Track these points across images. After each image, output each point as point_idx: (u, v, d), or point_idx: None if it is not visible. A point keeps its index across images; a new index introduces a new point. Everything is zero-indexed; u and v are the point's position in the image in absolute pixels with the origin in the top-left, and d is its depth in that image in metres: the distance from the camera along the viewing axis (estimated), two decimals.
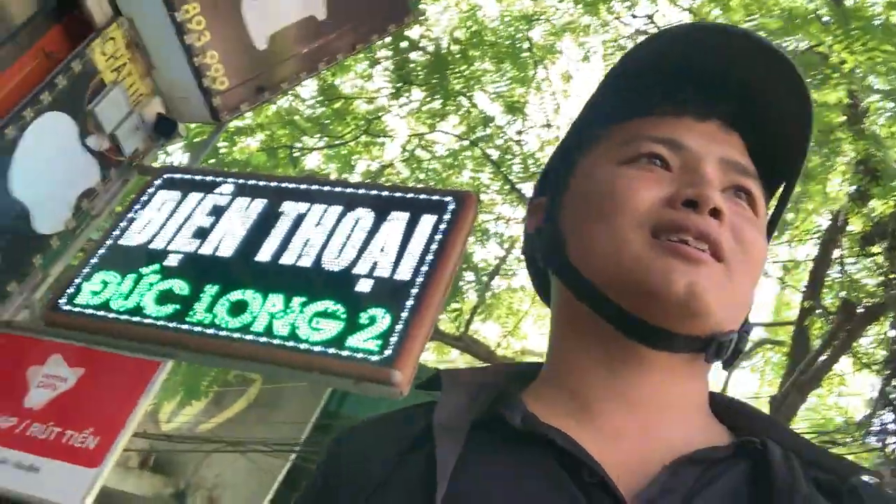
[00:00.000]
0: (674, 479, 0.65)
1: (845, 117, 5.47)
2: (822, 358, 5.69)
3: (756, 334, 10.39)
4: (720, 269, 0.71)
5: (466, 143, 7.13)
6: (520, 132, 7.55)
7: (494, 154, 7.23)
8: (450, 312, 7.73)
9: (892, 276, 5.65)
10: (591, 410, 0.74)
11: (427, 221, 3.05)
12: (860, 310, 5.60)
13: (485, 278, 8.51)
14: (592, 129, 0.85)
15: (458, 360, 12.49)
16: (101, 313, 3.03)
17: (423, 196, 3.18)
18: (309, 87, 6.93)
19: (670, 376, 0.75)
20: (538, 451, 0.68)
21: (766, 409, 6.30)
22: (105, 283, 3.13)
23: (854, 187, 5.90)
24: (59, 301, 3.12)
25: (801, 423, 7.49)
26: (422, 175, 7.22)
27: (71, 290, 3.13)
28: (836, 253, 6.11)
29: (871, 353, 6.30)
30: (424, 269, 2.89)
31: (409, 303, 2.79)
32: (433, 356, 13.47)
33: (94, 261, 3.23)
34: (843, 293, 6.03)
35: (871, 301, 5.66)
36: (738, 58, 0.80)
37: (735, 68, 0.80)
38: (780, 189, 0.89)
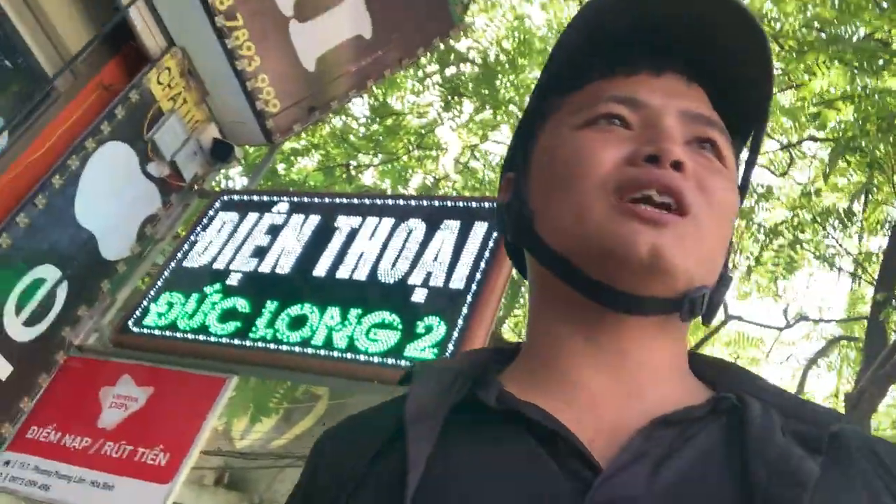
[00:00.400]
0: (648, 442, 0.64)
1: None
2: None
3: (831, 331, 10.06)
4: (685, 224, 0.69)
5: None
6: None
7: None
8: (512, 319, 7.72)
9: None
10: (567, 380, 0.72)
11: (479, 229, 3.07)
12: None
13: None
14: (550, 96, 0.83)
15: None
16: (168, 333, 3.14)
17: (473, 204, 3.21)
18: (361, 106, 7.05)
19: (646, 339, 0.73)
20: (514, 428, 0.67)
21: (841, 408, 6.10)
22: (170, 305, 3.24)
23: None
24: (128, 323, 3.24)
25: (883, 419, 7.23)
26: (477, 185, 7.24)
27: (138, 313, 3.25)
28: None
29: None
30: (478, 276, 2.90)
31: (464, 311, 2.81)
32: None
33: (159, 283, 3.34)
34: None
35: None
36: (687, 8, 0.78)
37: (686, 19, 0.79)
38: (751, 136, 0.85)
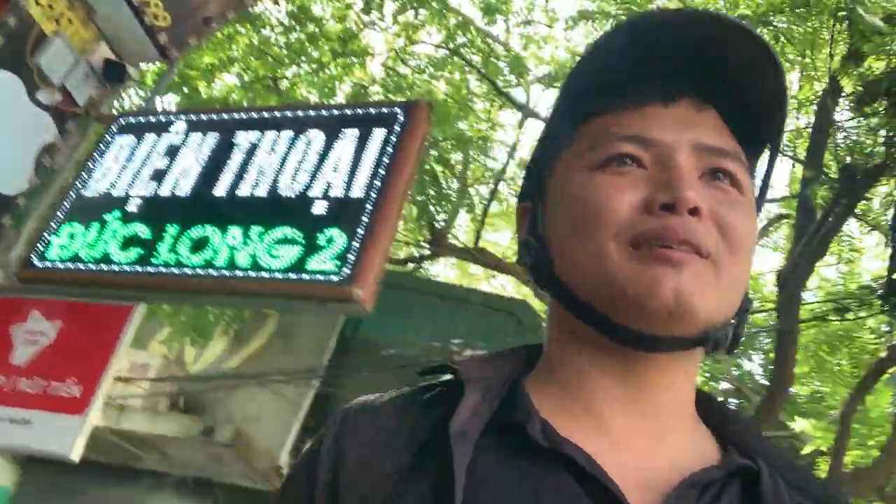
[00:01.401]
0: (679, 501, 0.67)
1: None
2: (826, 226, 5.59)
3: (773, 210, 10.25)
4: (705, 265, 0.70)
5: (447, 51, 6.95)
6: (507, 31, 7.35)
7: (478, 59, 7.06)
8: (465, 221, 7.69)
9: (892, 134, 5.48)
10: (597, 418, 0.74)
11: (378, 135, 3.00)
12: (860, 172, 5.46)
13: (487, 187, 8.45)
14: (562, 130, 0.83)
15: (479, 273, 12.56)
16: (72, 265, 3.07)
17: (371, 110, 3.12)
18: (279, 14, 6.78)
19: (667, 374, 0.75)
20: (553, 464, 0.68)
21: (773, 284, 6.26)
22: (72, 236, 3.16)
23: (848, 50, 5.67)
24: (31, 258, 3.16)
25: (814, 294, 7.46)
26: (408, 89, 7.08)
27: (41, 246, 3.17)
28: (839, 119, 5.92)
29: (878, 213, 6.18)
30: (377, 183, 2.85)
31: (364, 220, 2.77)
32: (456, 271, 13.57)
33: (59, 215, 3.25)
34: (847, 158, 5.88)
35: (871, 162, 5.52)
36: (694, 33, 0.77)
37: (694, 42, 0.77)
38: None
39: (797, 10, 4.92)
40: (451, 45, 6.83)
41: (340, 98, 7.07)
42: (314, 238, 2.78)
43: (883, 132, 5.83)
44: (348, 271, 2.66)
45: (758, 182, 0.84)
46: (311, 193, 2.93)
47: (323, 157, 3.02)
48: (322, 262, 2.71)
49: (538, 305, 8.40)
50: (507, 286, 12.29)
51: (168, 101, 6.68)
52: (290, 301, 2.77)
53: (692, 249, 0.69)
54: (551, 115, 0.86)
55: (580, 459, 0.67)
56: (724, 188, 0.74)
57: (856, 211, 5.94)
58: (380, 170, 2.88)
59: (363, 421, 0.77)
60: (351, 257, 2.68)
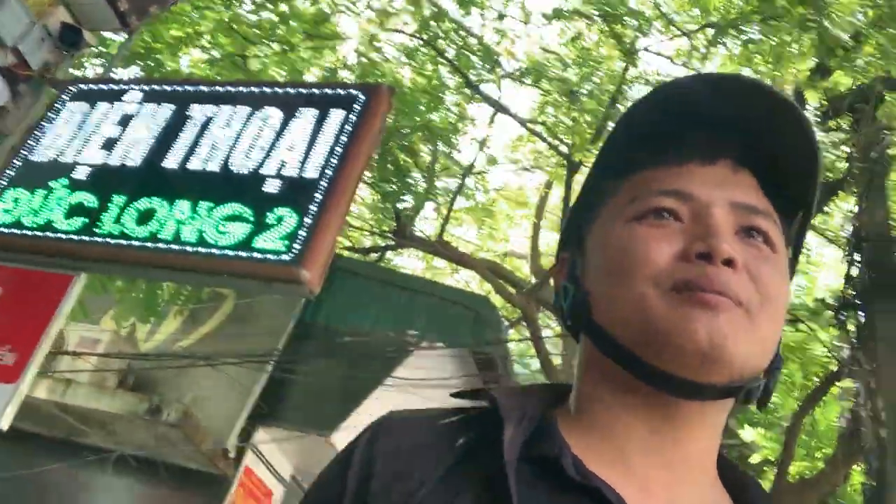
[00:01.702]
0: None
1: None
2: None
3: None
4: (740, 313, 0.72)
5: (420, 41, 6.90)
6: (482, 25, 7.31)
7: (451, 51, 7.02)
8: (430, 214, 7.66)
9: (853, 147, 5.55)
10: (628, 463, 0.76)
11: (336, 116, 2.95)
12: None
13: (456, 180, 8.43)
14: (603, 184, 0.87)
15: (446, 267, 12.54)
16: (13, 231, 2.98)
17: (330, 91, 3.08)
18: None
19: (696, 423, 0.77)
20: (584, 499, 0.70)
21: None
22: (16, 201, 3.07)
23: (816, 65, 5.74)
24: None
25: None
26: (379, 76, 7.03)
27: None
28: None
29: (836, 228, 6.27)
30: (332, 166, 2.81)
31: (317, 200, 2.73)
32: (422, 263, 13.54)
33: (4, 180, 3.16)
34: None
35: (832, 177, 5.59)
36: (737, 101, 0.81)
37: (735, 111, 0.81)
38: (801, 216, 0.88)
39: (769, 22, 4.96)
40: (424, 36, 6.77)
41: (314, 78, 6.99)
42: (264, 216, 2.73)
43: (845, 148, 5.91)
44: (297, 252, 2.61)
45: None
46: (263, 171, 2.87)
47: (279, 135, 2.96)
48: (270, 242, 2.66)
49: (498, 301, 8.40)
50: (470, 283, 12.30)
51: (131, 74, 6.54)
52: (235, 279, 2.72)
53: (727, 297, 0.72)
54: (592, 169, 0.90)
55: (612, 497, 0.70)
56: (757, 245, 0.77)
57: (815, 224, 6.02)
58: (335, 151, 2.84)
59: (396, 432, 0.80)
60: (300, 238, 2.64)
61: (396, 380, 6.60)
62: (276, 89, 3.17)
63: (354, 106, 2.95)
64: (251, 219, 2.74)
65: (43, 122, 3.29)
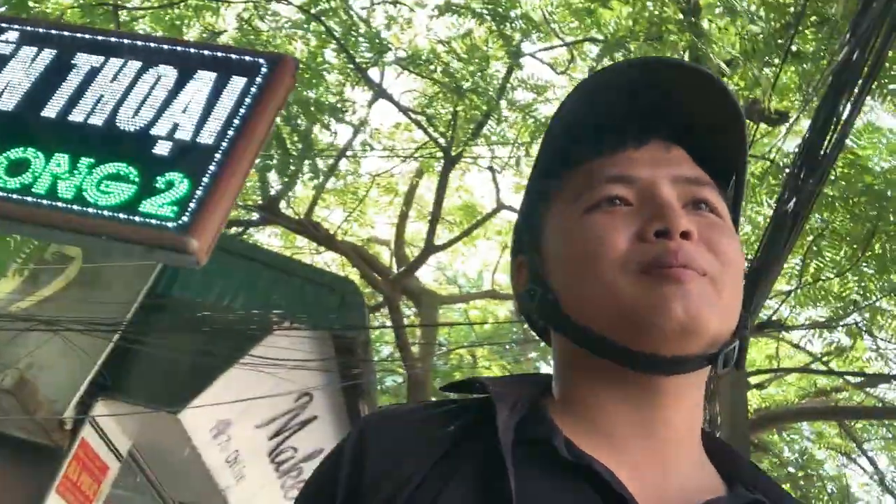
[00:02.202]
0: None
1: (681, 13, 5.57)
2: None
3: None
4: (706, 282, 0.76)
5: (308, 15, 6.74)
6: (366, 8, 7.24)
7: (339, 31, 6.90)
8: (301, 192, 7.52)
9: None
10: (613, 442, 0.78)
11: (236, 83, 2.83)
12: None
13: (329, 161, 8.31)
14: (546, 183, 0.89)
15: (306, 247, 12.33)
16: None
17: (234, 56, 2.95)
18: None
19: (682, 398, 0.80)
20: (579, 481, 0.72)
21: None
22: None
23: None
24: None
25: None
26: (260, 47, 6.79)
27: None
28: None
29: None
30: (231, 133, 2.70)
31: (212, 168, 2.61)
32: (279, 242, 13.24)
33: None
34: None
35: None
36: (661, 81, 0.85)
37: (660, 91, 0.85)
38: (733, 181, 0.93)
39: (650, 41, 5.21)
40: (312, 10, 6.63)
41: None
42: (153, 179, 2.58)
43: None
44: (186, 219, 2.49)
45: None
46: (154, 132, 2.72)
47: (173, 95, 2.81)
48: (158, 206, 2.52)
49: (361, 284, 8.37)
50: (330, 265, 12.18)
51: None
52: (115, 242, 2.55)
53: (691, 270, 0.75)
54: (533, 171, 0.93)
55: (604, 474, 0.72)
56: (705, 215, 0.81)
57: None
58: (235, 120, 2.73)
59: (386, 427, 0.82)
60: (192, 205, 2.52)
61: (253, 358, 6.44)
62: (174, 47, 3.01)
63: (257, 76, 2.85)
64: (138, 180, 2.59)
65: None
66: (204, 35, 6.77)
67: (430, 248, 7.76)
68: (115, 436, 6.94)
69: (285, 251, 12.85)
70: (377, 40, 6.95)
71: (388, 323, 9.72)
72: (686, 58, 5.86)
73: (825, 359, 9.75)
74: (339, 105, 7.75)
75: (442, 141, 7.51)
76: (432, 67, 6.96)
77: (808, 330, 7.97)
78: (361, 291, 7.68)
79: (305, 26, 6.63)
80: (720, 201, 0.84)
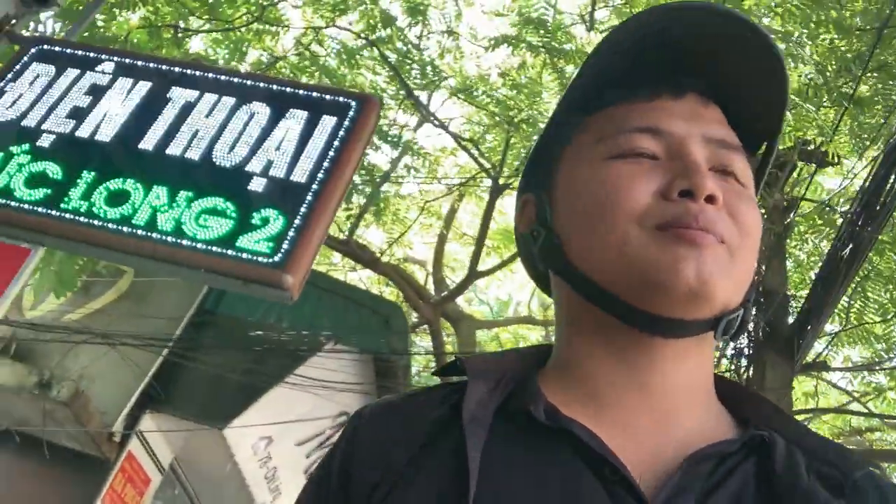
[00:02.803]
0: (688, 476, 0.67)
1: None
2: None
3: None
4: (723, 250, 0.73)
5: (365, 42, 6.87)
6: (419, 37, 7.36)
7: (393, 57, 7.02)
8: (340, 213, 7.60)
9: (762, 210, 5.96)
10: (605, 401, 0.75)
11: (327, 123, 2.92)
12: None
13: (373, 180, 8.41)
14: (572, 120, 0.85)
15: (340, 263, 12.44)
16: None
17: (325, 96, 3.04)
18: None
19: (682, 361, 0.77)
20: (561, 446, 0.70)
21: None
22: None
23: None
24: None
25: None
26: (316, 72, 6.94)
27: None
28: None
29: None
30: (322, 172, 2.79)
31: (305, 206, 2.69)
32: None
33: None
34: None
35: None
36: (706, 31, 0.80)
37: (705, 41, 0.81)
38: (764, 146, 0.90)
39: None
40: (370, 37, 6.75)
41: (248, 64, 6.82)
42: (249, 215, 2.67)
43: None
44: (281, 256, 2.57)
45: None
46: (249, 168, 2.81)
47: (266, 133, 2.91)
48: (254, 242, 2.60)
49: (406, 309, 8.44)
50: (365, 281, 12.27)
51: (61, 29, 6.18)
52: (212, 276, 2.64)
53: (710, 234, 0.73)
54: (558, 108, 0.88)
55: (581, 434, 0.69)
56: (731, 182, 0.79)
57: None
58: (326, 158, 2.81)
59: (377, 418, 0.81)
60: (286, 242, 2.60)
61: (298, 378, 6.52)
62: (267, 84, 3.10)
63: (347, 116, 2.94)
64: (235, 216, 2.67)
65: (5, 78, 3.08)
66: (262, 59, 6.91)
67: (473, 274, 7.82)
68: (159, 448, 7.04)
69: (318, 267, 13.00)
70: (430, 69, 7.06)
71: (424, 344, 9.79)
72: None
73: (862, 399, 9.69)
74: (386, 129, 7.86)
75: (488, 166, 7.60)
76: (485, 97, 7.05)
77: (849, 372, 7.94)
78: (406, 316, 7.75)
79: (362, 53, 6.74)
80: (747, 168, 0.81)
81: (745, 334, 5.90)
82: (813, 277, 6.54)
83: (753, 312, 0.89)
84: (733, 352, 5.98)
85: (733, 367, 5.66)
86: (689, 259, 0.71)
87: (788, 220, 5.73)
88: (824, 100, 5.43)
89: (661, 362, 0.76)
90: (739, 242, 0.75)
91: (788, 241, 6.78)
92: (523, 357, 0.85)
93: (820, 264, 6.26)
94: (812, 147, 6.34)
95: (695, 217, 0.72)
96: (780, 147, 5.99)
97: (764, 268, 6.10)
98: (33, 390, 5.73)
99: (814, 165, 6.49)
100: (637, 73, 0.82)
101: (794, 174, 5.97)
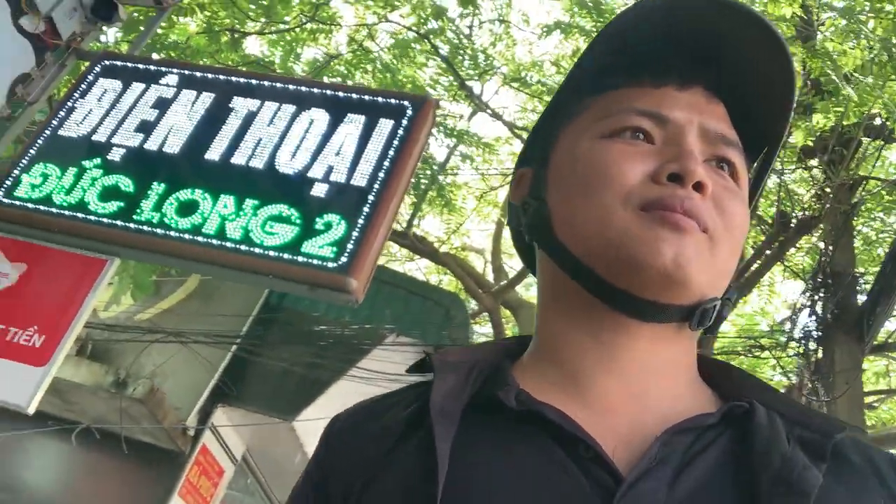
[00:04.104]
0: (665, 449, 0.66)
1: (795, 31, 5.48)
2: (755, 266, 5.90)
3: None
4: (704, 239, 0.72)
5: (416, 35, 6.91)
6: (470, 27, 7.36)
7: (445, 49, 7.04)
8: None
9: (827, 189, 5.82)
10: (580, 382, 0.75)
11: (385, 126, 2.98)
12: (794, 221, 5.79)
13: (430, 172, 8.46)
14: (574, 100, 0.84)
15: (398, 253, 12.55)
16: (44, 208, 2.91)
17: (381, 99, 3.09)
18: None
19: (657, 343, 0.76)
20: (533, 429, 0.69)
21: None
22: (45, 176, 3.00)
23: (798, 100, 5.97)
24: None
25: (728, 328, 7.84)
26: (369, 67, 7.01)
27: (10, 183, 2.99)
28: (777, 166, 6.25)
29: (800, 262, 6.55)
30: (381, 175, 2.84)
31: (366, 210, 2.75)
32: None
33: (33, 152, 3.07)
34: (779, 205, 6.20)
35: (805, 213, 5.85)
36: (718, 25, 0.79)
37: (716, 35, 0.80)
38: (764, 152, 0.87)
39: None
40: (421, 30, 6.78)
41: (303, 63, 6.92)
42: (312, 221, 2.74)
43: (817, 185, 6.19)
44: (345, 260, 2.64)
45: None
46: (311, 174, 2.88)
47: (326, 138, 2.97)
48: (319, 247, 2.67)
49: (460, 294, 8.49)
50: (423, 270, 12.36)
51: (113, 34, 6.37)
52: (279, 281, 2.72)
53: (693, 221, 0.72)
54: (562, 86, 0.88)
55: (551, 415, 0.68)
56: (725, 176, 0.77)
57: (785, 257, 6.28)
58: (385, 161, 2.86)
59: (351, 421, 0.82)
60: (349, 246, 2.66)
61: (364, 371, 6.63)
62: (324, 91, 3.17)
63: (403, 118, 2.98)
64: (299, 222, 2.74)
65: (72, 96, 3.21)
66: (317, 58, 7.00)
67: None
68: (231, 441, 7.25)
69: (381, 260, 13.14)
70: (482, 57, 7.05)
71: (484, 331, 9.83)
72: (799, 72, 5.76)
73: None
74: (440, 119, 7.87)
75: None
76: (539, 85, 7.02)
77: None
78: (466, 307, 7.79)
79: (416, 43, 6.78)
80: (743, 168, 0.80)
81: (814, 317, 5.79)
82: (882, 255, 6.37)
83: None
84: (801, 334, 5.87)
85: (802, 349, 5.56)
86: (669, 241, 0.70)
87: (855, 198, 5.58)
88: (891, 76, 5.26)
89: (638, 346, 0.75)
90: (722, 235, 0.74)
91: (856, 219, 6.59)
92: (499, 347, 0.85)
93: (889, 242, 6.08)
94: (878, 122, 6.15)
95: (680, 201, 0.71)
96: (845, 123, 5.84)
97: (831, 248, 5.96)
98: (110, 389, 5.96)
99: (881, 141, 6.30)
100: (643, 61, 0.81)
101: (860, 151, 5.80)
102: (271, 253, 2.69)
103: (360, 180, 2.84)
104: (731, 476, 0.65)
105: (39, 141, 3.10)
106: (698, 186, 0.73)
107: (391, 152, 2.89)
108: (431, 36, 6.84)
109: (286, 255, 2.68)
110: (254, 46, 7.02)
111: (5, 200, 2.95)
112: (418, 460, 0.68)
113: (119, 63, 3.36)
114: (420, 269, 12.62)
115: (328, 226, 2.72)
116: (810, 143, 5.74)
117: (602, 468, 0.65)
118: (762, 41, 0.78)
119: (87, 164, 3.00)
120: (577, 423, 0.68)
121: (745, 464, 0.66)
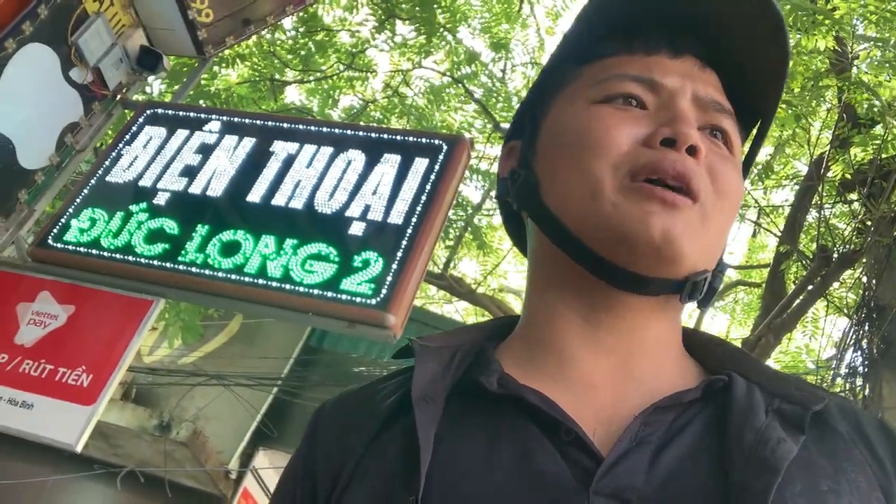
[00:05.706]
0: (645, 429, 0.66)
1: (829, 64, 5.47)
2: (797, 301, 5.81)
3: (729, 275, 10.57)
4: (695, 211, 0.71)
5: (450, 80, 7.03)
6: (504, 71, 7.46)
7: (478, 92, 7.15)
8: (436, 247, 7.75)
9: (868, 223, 5.74)
10: (564, 360, 0.74)
11: (420, 165, 3.04)
12: (836, 256, 5.70)
13: (464, 215, 8.51)
14: (565, 68, 0.83)
15: (436, 295, 12.59)
16: (92, 251, 3.01)
17: (415, 139, 3.16)
18: (290, 17, 6.76)
19: (644, 318, 0.75)
20: (516, 413, 0.68)
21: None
22: (93, 221, 3.10)
23: (834, 133, 5.94)
24: (47, 237, 3.09)
25: (772, 365, 7.69)
26: (405, 112, 7.13)
27: (59, 227, 3.10)
28: (815, 200, 6.18)
29: (843, 297, 6.43)
30: (417, 213, 2.89)
31: (403, 247, 2.80)
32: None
33: (81, 197, 3.19)
34: (820, 239, 6.12)
35: (847, 247, 5.77)
36: None
37: (709, 5, 0.80)
38: (757, 126, 0.88)
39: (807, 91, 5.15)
40: (455, 75, 6.91)
41: (341, 109, 7.08)
42: (350, 258, 2.79)
43: (858, 219, 6.10)
44: (383, 296, 2.68)
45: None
46: (348, 213, 2.94)
47: (363, 178, 3.04)
48: (357, 284, 2.72)
49: None
50: (459, 313, 12.36)
51: (158, 85, 6.58)
52: (318, 318, 2.76)
53: (684, 189, 0.71)
54: (552, 57, 0.86)
55: (532, 399, 0.67)
56: (718, 144, 0.77)
57: (829, 292, 6.17)
58: (421, 199, 2.92)
59: (336, 410, 0.81)
60: (387, 283, 2.71)
61: None
62: (361, 132, 3.25)
63: (438, 157, 3.04)
64: (337, 260, 2.80)
65: (119, 144, 3.34)
66: (354, 104, 7.16)
67: None
68: (272, 484, 7.26)
69: (415, 301, 13.18)
70: (515, 100, 7.13)
71: None
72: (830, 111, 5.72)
73: None
74: (475, 163, 7.96)
75: None
76: None
77: None
78: None
79: (451, 88, 6.90)
80: (736, 136, 0.79)
81: (860, 352, 5.67)
82: None
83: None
84: (847, 370, 5.75)
85: (848, 386, 5.44)
86: (659, 215, 0.69)
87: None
88: None
89: (626, 319, 0.74)
90: (714, 203, 0.72)
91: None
92: (483, 330, 0.84)
93: None
94: None
95: (672, 163, 0.70)
96: (883, 156, 5.78)
97: (874, 282, 5.85)
98: (154, 432, 6.04)
99: None
100: (636, 31, 0.81)
101: None
102: (311, 290, 2.75)
103: (396, 218, 2.89)
104: (709, 454, 0.65)
105: (87, 187, 3.22)
106: (692, 150, 0.72)
107: (427, 189, 2.95)
108: (465, 81, 6.95)
109: (326, 293, 2.73)
110: (293, 95, 7.22)
111: (55, 244, 3.06)
112: (402, 447, 0.68)
113: (163, 111, 3.49)
114: (458, 311, 12.64)
115: (366, 263, 2.77)
116: (849, 177, 5.68)
117: (582, 451, 0.64)
118: (757, 12, 0.78)
119: (133, 208, 3.11)
120: (558, 406, 0.67)
121: (720, 441, 0.65)
